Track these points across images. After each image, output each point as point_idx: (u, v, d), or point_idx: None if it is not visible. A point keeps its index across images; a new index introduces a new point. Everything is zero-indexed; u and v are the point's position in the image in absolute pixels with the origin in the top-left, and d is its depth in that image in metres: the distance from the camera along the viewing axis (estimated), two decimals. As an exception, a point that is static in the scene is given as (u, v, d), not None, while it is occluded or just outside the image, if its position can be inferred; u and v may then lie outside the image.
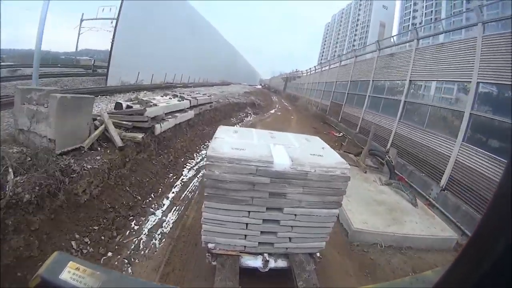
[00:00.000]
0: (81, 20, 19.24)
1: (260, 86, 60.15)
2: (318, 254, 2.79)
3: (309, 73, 34.71)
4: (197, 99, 9.50)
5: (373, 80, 12.55)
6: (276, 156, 2.44)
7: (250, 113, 16.26)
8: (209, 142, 5.76)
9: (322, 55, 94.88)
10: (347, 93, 15.94)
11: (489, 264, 0.44)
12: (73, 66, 19.16)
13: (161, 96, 9.01)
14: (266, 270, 2.63)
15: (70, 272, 0.82)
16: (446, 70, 7.61)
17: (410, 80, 9.12)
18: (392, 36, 17.80)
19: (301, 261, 2.62)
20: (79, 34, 19.65)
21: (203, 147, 7.78)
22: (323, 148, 2.92)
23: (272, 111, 21.09)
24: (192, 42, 24.29)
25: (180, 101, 8.42)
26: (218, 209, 2.45)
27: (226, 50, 42.29)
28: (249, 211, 2.47)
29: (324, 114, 19.83)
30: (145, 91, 11.79)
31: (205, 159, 2.71)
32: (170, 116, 6.96)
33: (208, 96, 11.18)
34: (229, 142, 2.64)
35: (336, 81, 19.40)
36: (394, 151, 7.73)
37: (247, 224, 2.52)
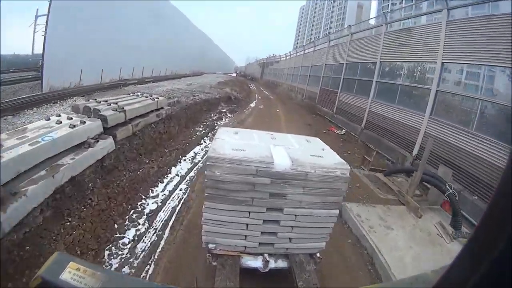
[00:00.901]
0: (36, 17, 16.48)
1: (235, 74, 57.55)
2: (318, 255, 2.79)
3: (288, 57, 31.16)
4: (125, 111, 5.01)
5: (381, 62, 10.01)
6: (276, 157, 2.44)
7: (225, 113, 12.38)
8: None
9: (298, 40, 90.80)
10: (343, 78, 13.44)
11: (489, 264, 0.44)
12: (28, 70, 15.74)
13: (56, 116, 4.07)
14: (267, 270, 2.63)
15: (71, 272, 0.82)
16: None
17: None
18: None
19: (301, 262, 2.62)
20: (34, 32, 16.79)
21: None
22: (323, 149, 2.92)
23: (253, 105, 17.08)
24: (156, 32, 21.65)
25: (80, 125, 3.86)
26: (219, 210, 2.45)
27: (198, 39, 39.08)
28: (249, 212, 2.48)
29: (313, 103, 17.17)
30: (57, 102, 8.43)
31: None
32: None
33: (153, 100, 6.46)
34: (230, 143, 2.64)
35: (325, 64, 16.72)
36: (447, 172, 5.42)
37: (247, 224, 2.52)
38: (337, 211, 2.60)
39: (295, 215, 2.52)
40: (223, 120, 11.25)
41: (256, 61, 66.43)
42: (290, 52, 32.00)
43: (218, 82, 21.26)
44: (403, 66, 9.05)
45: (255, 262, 2.63)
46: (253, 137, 3.06)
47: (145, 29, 20.12)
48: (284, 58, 33.74)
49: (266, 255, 2.65)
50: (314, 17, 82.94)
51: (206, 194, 2.42)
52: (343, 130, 11.58)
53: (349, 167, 2.51)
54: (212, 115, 11.38)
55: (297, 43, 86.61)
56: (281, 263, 2.68)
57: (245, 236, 2.58)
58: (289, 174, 2.36)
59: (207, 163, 2.32)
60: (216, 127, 9.21)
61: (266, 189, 2.39)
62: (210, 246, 2.57)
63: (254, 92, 25.99)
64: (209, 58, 48.48)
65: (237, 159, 2.31)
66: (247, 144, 2.66)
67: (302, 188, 2.43)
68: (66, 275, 0.81)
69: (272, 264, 2.65)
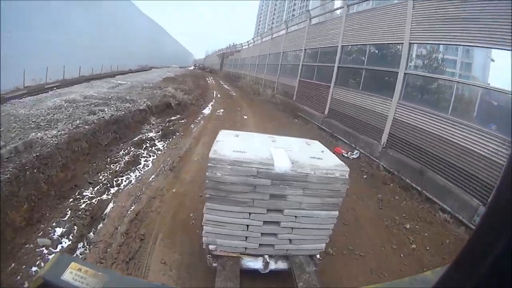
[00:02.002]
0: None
1: (193, 67, 55.25)
2: (318, 256, 2.79)
3: (251, 45, 27.19)
4: None
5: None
6: (276, 159, 2.45)
7: (151, 141, 6.77)
8: None
9: (259, 28, 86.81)
10: (338, 67, 9.87)
11: (489, 264, 0.44)
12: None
13: None
14: (267, 271, 2.63)
15: (72, 273, 0.82)
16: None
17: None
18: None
19: (301, 263, 2.62)
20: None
21: None
22: (322, 151, 2.93)
23: (208, 111, 11.77)
24: (85, 25, 17.35)
25: None
26: (219, 211, 2.46)
27: (149, 31, 33.37)
28: (250, 213, 2.48)
29: (290, 101, 13.53)
30: None
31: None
32: None
33: None
34: (231, 145, 2.65)
35: (305, 49, 13.03)
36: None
37: (248, 225, 2.52)
38: (336, 213, 2.61)
39: (295, 216, 2.53)
40: (140, 164, 5.42)
41: (215, 52, 59.59)
42: (253, 38, 27.74)
43: (163, 79, 17.20)
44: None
45: (255, 263, 2.63)
46: (254, 139, 3.08)
47: (63, 21, 15.45)
48: (246, 46, 29.38)
49: (266, 256, 2.65)
50: (275, 5, 79.34)
51: (207, 195, 2.43)
52: (356, 152, 7.71)
53: (348, 169, 2.52)
54: (119, 153, 5.76)
55: (258, 30, 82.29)
56: (281, 265, 2.68)
57: (246, 237, 2.58)
58: (289, 175, 2.37)
59: (208, 164, 2.33)
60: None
61: (267, 190, 2.39)
62: (211, 247, 2.58)
63: (212, 88, 21.03)
64: (163, 51, 43.90)
65: (238, 160, 2.32)
66: (248, 146, 2.67)
67: (302, 190, 2.43)
68: (68, 276, 0.82)
69: (272, 266, 2.65)
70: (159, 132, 7.59)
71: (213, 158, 2.32)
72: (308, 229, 2.59)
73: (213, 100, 15.17)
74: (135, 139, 6.75)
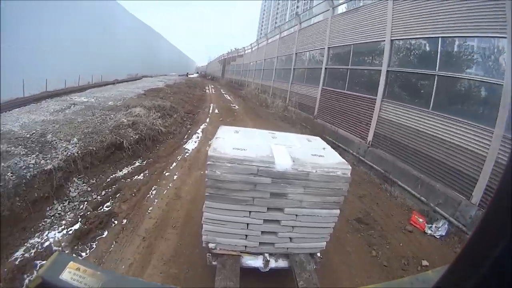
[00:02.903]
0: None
1: (195, 75, 53.72)
2: (318, 254, 2.79)
3: (255, 48, 23.66)
4: None
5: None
6: (277, 157, 2.44)
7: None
8: None
9: (262, 29, 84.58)
10: (387, 72, 6.92)
11: (489, 264, 0.43)
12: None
13: None
14: (267, 270, 2.63)
15: (71, 272, 0.83)
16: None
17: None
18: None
19: (302, 261, 2.61)
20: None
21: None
22: (324, 148, 2.92)
23: (193, 144, 7.66)
24: (70, 31, 14.21)
25: None
26: (219, 209, 2.45)
27: (144, 37, 30.07)
28: (250, 211, 2.48)
29: (310, 117, 10.70)
30: None
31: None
32: None
33: None
34: (230, 142, 2.64)
35: (328, 47, 10.16)
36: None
37: (248, 224, 2.52)
38: (338, 211, 2.60)
39: (296, 215, 2.52)
40: None
41: (217, 58, 56.46)
42: (256, 41, 24.62)
43: (145, 91, 13.21)
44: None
45: (255, 262, 2.63)
46: (254, 136, 3.06)
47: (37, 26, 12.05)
48: (250, 50, 26.16)
49: (266, 254, 2.65)
50: (278, 4, 76.51)
51: (206, 194, 2.42)
52: (442, 224, 4.47)
53: (350, 167, 2.51)
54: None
55: (261, 32, 78.86)
56: (282, 263, 2.68)
57: (246, 235, 2.58)
58: (290, 173, 2.36)
59: (208, 162, 2.32)
60: None
61: (267, 188, 2.38)
62: (211, 245, 2.57)
63: (209, 100, 16.91)
64: (162, 58, 41.36)
65: (238, 158, 2.31)
66: (248, 143, 2.66)
67: (303, 188, 2.42)
68: (66, 275, 0.82)
69: (273, 264, 2.65)
70: (70, 229, 3.49)
71: (213, 156, 2.30)
72: (308, 227, 2.59)
73: (208, 119, 11.16)
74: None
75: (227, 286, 2.27)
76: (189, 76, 45.76)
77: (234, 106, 15.50)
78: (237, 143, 2.62)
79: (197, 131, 9.13)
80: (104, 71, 17.81)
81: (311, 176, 2.38)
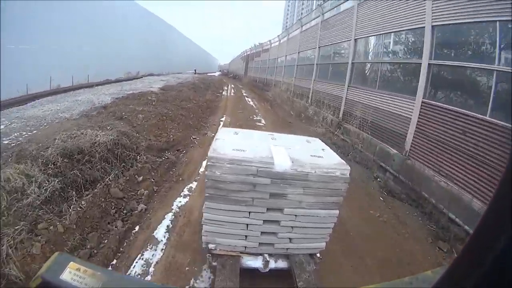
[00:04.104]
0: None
1: (217, 74, 52.59)
2: (318, 255, 2.79)
3: (284, 39, 18.94)
4: None
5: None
6: (276, 157, 2.44)
7: None
8: None
9: (287, 21, 78.61)
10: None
11: (489, 264, 0.44)
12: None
13: None
14: (267, 270, 2.63)
15: (71, 272, 0.82)
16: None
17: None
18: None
19: (301, 262, 2.62)
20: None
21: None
22: (323, 149, 2.92)
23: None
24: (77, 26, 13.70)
25: None
26: (219, 210, 2.45)
27: (158, 33, 27.36)
28: (249, 212, 2.48)
29: (394, 152, 5.89)
30: None
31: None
32: None
33: None
34: (230, 143, 2.65)
35: (433, 26, 5.24)
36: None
37: (247, 224, 2.52)
38: (337, 211, 2.60)
39: (295, 215, 2.52)
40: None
41: (239, 55, 50.53)
42: (286, 29, 20.03)
43: (92, 109, 7.70)
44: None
45: (255, 262, 2.63)
46: (254, 137, 3.07)
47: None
48: (277, 43, 21.24)
49: (266, 255, 2.65)
50: (302, 3, 71.04)
51: (206, 194, 2.42)
52: None
53: (349, 168, 2.51)
54: None
55: (286, 24, 72.42)
56: (281, 263, 2.68)
57: (245, 236, 2.58)
58: (289, 174, 2.36)
59: (208, 163, 2.33)
60: None
61: (266, 189, 2.39)
62: (210, 246, 2.57)
63: (222, 108, 12.44)
64: (177, 56, 37.60)
65: (237, 159, 2.31)
66: (248, 144, 2.66)
67: (302, 189, 2.42)
68: (66, 275, 0.81)
69: (272, 264, 2.65)
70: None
71: (213, 156, 2.31)
72: (308, 228, 2.59)
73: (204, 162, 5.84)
74: None
75: (227, 287, 2.27)
76: (210, 74, 43.65)
77: (259, 119, 10.45)
78: (237, 144, 2.62)
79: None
80: (99, 71, 16.28)
81: (310, 177, 2.38)
